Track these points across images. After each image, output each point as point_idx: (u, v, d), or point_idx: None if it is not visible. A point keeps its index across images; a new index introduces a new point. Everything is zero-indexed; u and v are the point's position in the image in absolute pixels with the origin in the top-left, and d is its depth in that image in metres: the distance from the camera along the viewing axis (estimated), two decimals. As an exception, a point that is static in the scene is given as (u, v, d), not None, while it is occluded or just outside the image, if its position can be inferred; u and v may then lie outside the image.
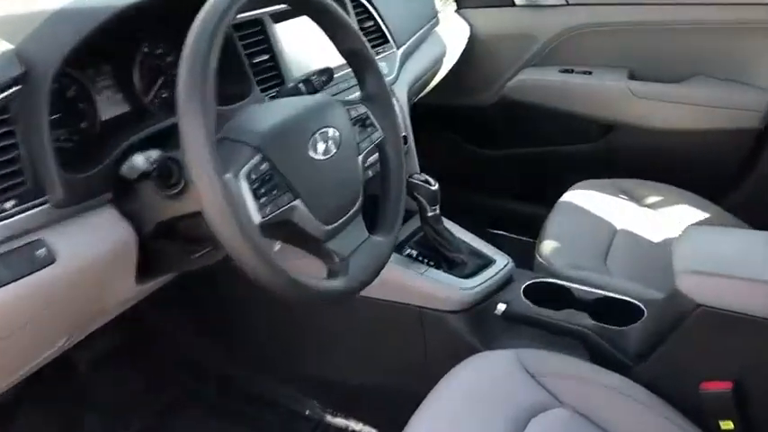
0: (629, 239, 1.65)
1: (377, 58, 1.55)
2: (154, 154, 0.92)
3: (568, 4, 2.06)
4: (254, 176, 0.85)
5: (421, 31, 1.81)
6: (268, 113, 0.95)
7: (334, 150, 0.98)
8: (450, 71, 2.10)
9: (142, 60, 1.14)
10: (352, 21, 1.50)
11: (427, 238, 1.48)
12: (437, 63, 1.95)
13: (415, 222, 1.56)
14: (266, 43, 1.28)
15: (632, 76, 2.04)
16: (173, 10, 1.02)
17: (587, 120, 2.11)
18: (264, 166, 0.87)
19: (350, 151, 1.02)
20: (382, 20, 1.61)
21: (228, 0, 0.85)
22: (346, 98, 1.19)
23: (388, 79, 1.55)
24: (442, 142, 2.42)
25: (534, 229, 2.25)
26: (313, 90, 1.19)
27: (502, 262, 1.49)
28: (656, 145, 2.05)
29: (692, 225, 1.56)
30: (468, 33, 2.18)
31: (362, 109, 1.09)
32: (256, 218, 0.84)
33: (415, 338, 1.42)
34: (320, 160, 0.95)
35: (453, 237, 1.49)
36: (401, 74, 1.64)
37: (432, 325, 1.40)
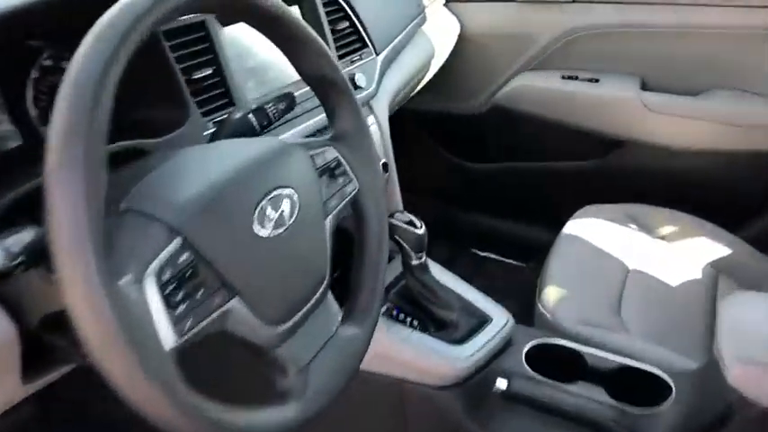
0: (645, 283, 1.43)
1: (354, 67, 1.29)
2: (26, 236, 0.64)
3: (575, 1, 1.80)
4: (168, 274, 0.58)
5: (405, 32, 1.53)
6: (196, 170, 0.68)
7: (290, 220, 0.71)
8: (437, 74, 1.83)
9: (39, 78, 0.86)
10: (323, 24, 1.22)
11: (411, 290, 1.22)
12: (424, 68, 1.67)
13: (396, 266, 1.30)
14: (210, 53, 1.00)
15: (645, 86, 1.79)
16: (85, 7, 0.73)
17: (592, 134, 1.86)
18: (186, 257, 0.60)
19: (312, 216, 0.75)
20: (360, 21, 1.33)
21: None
22: (308, 137, 0.91)
23: (366, 93, 1.28)
24: (424, 152, 2.16)
25: (526, 253, 2.04)
26: (267, 122, 0.91)
27: (500, 320, 1.24)
28: (670, 165, 1.81)
29: (739, 292, 1.32)
30: (457, 30, 1.90)
31: (332, 153, 0.82)
32: (169, 341, 0.57)
33: (393, 419, 1.16)
34: (269, 238, 0.68)
35: (442, 289, 1.23)
36: (382, 85, 1.37)
37: (415, 403, 1.14)
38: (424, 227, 1.18)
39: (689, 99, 1.73)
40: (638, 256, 1.51)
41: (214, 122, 0.99)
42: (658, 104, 1.75)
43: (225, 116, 1.00)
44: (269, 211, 0.68)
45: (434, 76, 1.82)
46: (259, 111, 0.90)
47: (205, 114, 0.98)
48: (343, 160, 0.83)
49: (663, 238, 1.60)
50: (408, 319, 1.21)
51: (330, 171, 0.81)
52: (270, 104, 0.92)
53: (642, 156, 1.83)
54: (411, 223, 1.18)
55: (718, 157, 1.74)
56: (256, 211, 0.67)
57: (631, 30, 1.76)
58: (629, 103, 1.77)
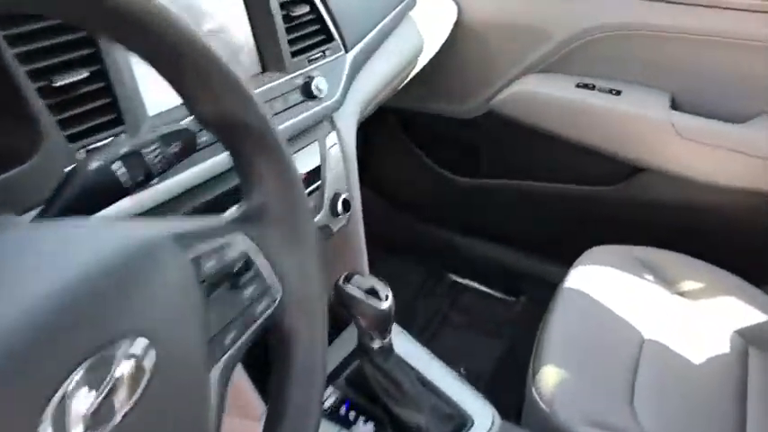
0: (662, 361, 1.16)
1: (312, 68, 0.95)
2: None
3: (601, -6, 1.46)
4: None
5: (387, 19, 1.18)
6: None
7: (128, 404, 0.38)
8: (424, 68, 1.49)
9: None
10: (270, 6, 0.88)
11: (366, 378, 0.91)
12: (409, 64, 1.33)
13: (350, 337, 0.98)
14: (91, 46, 0.66)
15: (675, 105, 1.46)
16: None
17: (606, 155, 1.54)
18: None
19: (183, 379, 0.42)
20: (325, 4, 0.99)
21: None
22: (202, 219, 0.55)
23: (326, 104, 0.95)
24: (403, 158, 1.83)
25: (515, 286, 1.74)
26: (145, 176, 0.57)
27: (483, 423, 0.93)
28: (698, 202, 1.50)
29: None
30: (454, 17, 1.56)
31: (239, 246, 0.50)
32: None
33: None
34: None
35: (409, 380, 0.91)
36: (351, 92, 1.03)
37: None
38: (390, 298, 0.86)
39: (730, 126, 1.41)
40: (655, 320, 1.23)
41: (88, 151, 0.66)
42: (691, 129, 1.43)
43: (109, 139, 0.68)
44: (80, 396, 0.36)
45: (421, 70, 1.48)
46: (132, 156, 0.56)
47: (73, 139, 0.65)
48: (256, 258, 0.50)
49: (683, 294, 1.32)
50: (360, 419, 0.90)
51: (231, 281, 0.48)
52: (155, 145, 0.58)
53: (664, 188, 1.52)
54: (373, 292, 0.86)
55: (755, 199, 1.44)
56: (52, 402, 0.34)
57: (665, 34, 1.43)
58: (655, 123, 1.45)
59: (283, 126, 0.88)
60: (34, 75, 0.62)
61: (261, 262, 0.50)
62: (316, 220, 0.96)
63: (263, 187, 0.51)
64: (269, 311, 0.50)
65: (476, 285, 1.81)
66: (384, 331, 0.88)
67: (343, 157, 1.00)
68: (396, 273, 1.85)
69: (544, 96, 1.55)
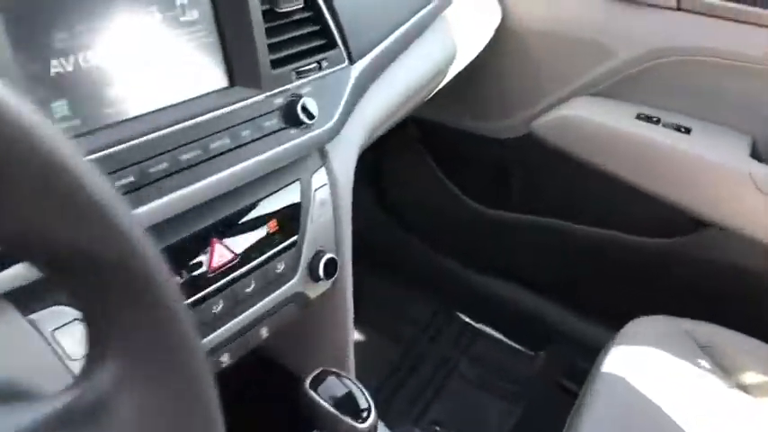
0: None
1: (302, 83, 0.71)
2: None
3: (680, 9, 1.19)
4: None
5: (412, 21, 0.93)
6: None
7: None
8: (457, 76, 1.23)
9: None
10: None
11: None
12: (438, 74, 1.08)
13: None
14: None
15: (756, 152, 1.20)
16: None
17: (664, 203, 1.28)
18: None
19: None
20: (327, 1, 0.74)
21: None
22: None
23: (317, 133, 0.71)
24: (421, 176, 1.58)
25: (538, 338, 1.50)
26: None
27: None
28: (769, 272, 1.24)
29: None
30: (497, 21, 1.30)
31: None
32: None
33: None
34: None
35: None
36: (353, 115, 0.79)
37: None
38: (373, 415, 0.62)
39: (823, 186, 1.15)
40: (708, 420, 0.99)
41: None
42: (774, 185, 1.16)
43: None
44: None
45: (452, 79, 1.23)
46: None
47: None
48: None
49: (745, 388, 1.09)
50: None
51: None
52: None
53: (733, 249, 1.26)
54: (350, 404, 0.62)
55: None
56: None
57: (753, 66, 1.16)
58: (730, 172, 1.19)
59: (248, 162, 0.64)
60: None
61: None
62: (287, 286, 0.72)
63: (111, 370, 0.28)
64: None
65: (491, 331, 1.56)
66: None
67: (334, 201, 0.76)
68: (400, 306, 1.61)
69: (596, 124, 1.29)
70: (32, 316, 0.51)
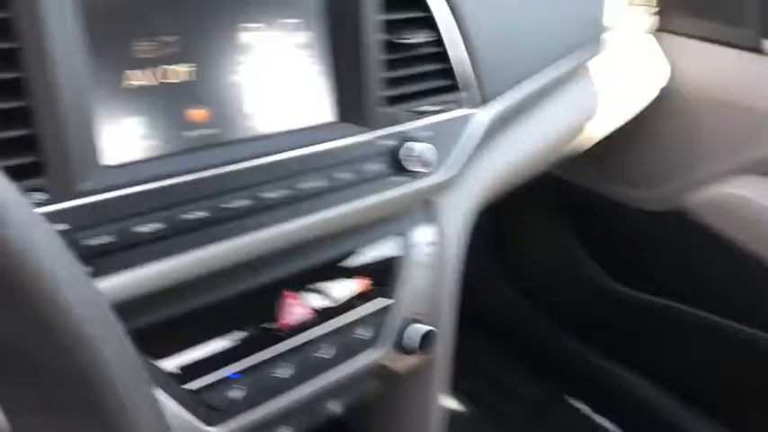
0: None
1: (419, 125, 0.62)
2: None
3: None
4: None
5: (556, 66, 0.81)
6: None
7: None
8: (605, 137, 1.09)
9: None
10: (361, 24, 0.55)
11: None
12: (580, 131, 0.95)
13: None
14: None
15: None
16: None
17: None
18: None
19: None
20: (463, 35, 0.64)
21: None
22: None
23: (427, 182, 0.61)
24: (544, 236, 1.43)
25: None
26: None
27: None
28: None
29: None
30: (665, 79, 1.15)
31: None
32: None
33: None
34: None
35: None
36: (476, 167, 0.68)
37: None
38: None
39: None
40: None
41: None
42: None
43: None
44: None
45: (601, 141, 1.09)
46: None
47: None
48: None
49: None
50: None
51: None
52: None
53: None
54: None
55: None
56: None
57: None
58: None
59: (341, 208, 0.55)
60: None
61: None
62: (370, 356, 0.62)
63: None
64: None
65: (606, 424, 1.37)
66: None
67: (439, 263, 0.65)
68: (505, 379, 1.46)
69: (765, 210, 1.10)
70: None
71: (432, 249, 0.65)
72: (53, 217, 0.42)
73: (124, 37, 0.46)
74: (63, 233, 0.42)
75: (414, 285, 0.64)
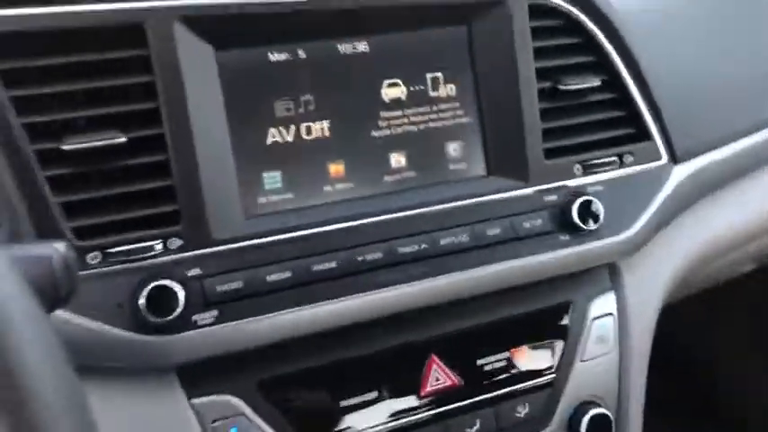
0: None
1: (591, 181, 0.56)
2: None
3: None
4: None
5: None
6: None
7: None
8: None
9: None
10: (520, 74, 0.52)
11: None
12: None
13: None
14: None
15: None
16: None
17: None
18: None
19: None
20: (641, 82, 0.57)
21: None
22: None
23: (594, 244, 0.54)
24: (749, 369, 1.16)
25: None
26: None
27: None
28: None
29: None
30: None
31: None
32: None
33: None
34: None
35: None
36: (669, 234, 0.59)
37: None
38: None
39: None
40: None
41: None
42: None
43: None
44: None
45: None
46: None
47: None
48: None
49: None
50: None
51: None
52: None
53: None
54: None
55: None
56: None
57: None
58: None
59: (487, 268, 0.51)
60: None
61: None
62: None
63: None
64: None
65: None
66: None
67: (621, 339, 0.56)
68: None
69: None
70: (197, 400, 0.46)
71: (612, 322, 0.56)
72: (187, 263, 0.45)
73: (264, 97, 0.49)
74: (194, 278, 0.44)
75: (588, 362, 0.55)
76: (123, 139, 0.43)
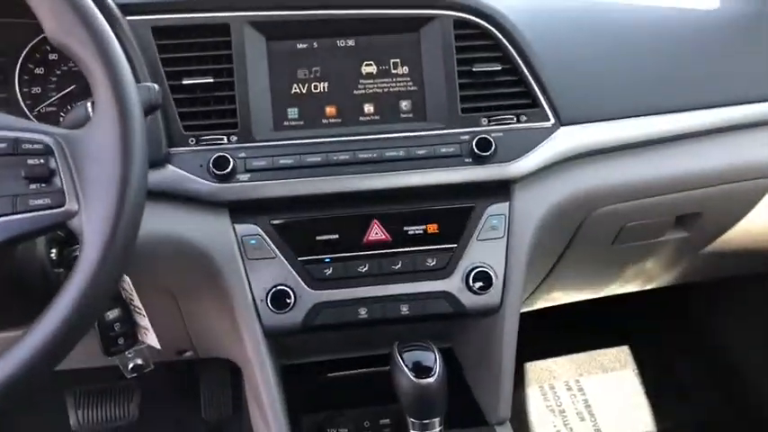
0: None
1: (493, 127, 0.89)
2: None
3: None
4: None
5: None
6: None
7: None
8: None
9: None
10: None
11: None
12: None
13: None
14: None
15: None
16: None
17: None
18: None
19: None
20: (531, 69, 0.91)
21: None
22: None
23: (501, 167, 0.89)
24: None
25: None
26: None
27: None
28: None
29: None
30: None
31: (46, 140, 0.60)
32: None
33: None
34: None
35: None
36: (555, 175, 0.92)
37: None
38: (438, 374, 0.74)
39: None
40: None
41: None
42: None
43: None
44: None
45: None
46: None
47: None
48: (59, 159, 0.58)
49: None
50: None
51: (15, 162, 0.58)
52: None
53: None
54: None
55: None
56: None
57: None
58: None
59: (413, 173, 0.86)
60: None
61: (63, 165, 0.57)
62: (437, 282, 0.87)
63: (95, 94, 0.59)
64: (47, 212, 0.57)
65: None
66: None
67: (510, 231, 0.87)
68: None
69: None
70: (237, 225, 0.84)
71: (501, 222, 0.87)
72: (239, 150, 0.83)
73: (291, 70, 0.88)
74: (241, 158, 0.83)
75: (483, 242, 0.87)
76: (211, 80, 0.84)
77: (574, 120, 0.91)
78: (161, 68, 0.84)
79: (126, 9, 0.84)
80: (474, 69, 0.89)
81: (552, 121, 0.91)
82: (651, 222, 1.03)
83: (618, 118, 0.94)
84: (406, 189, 0.86)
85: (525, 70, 0.90)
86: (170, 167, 0.83)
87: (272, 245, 0.84)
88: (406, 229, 0.87)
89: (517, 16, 0.91)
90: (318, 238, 0.86)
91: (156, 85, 0.70)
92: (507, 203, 0.89)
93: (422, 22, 0.89)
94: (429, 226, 0.87)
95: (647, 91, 0.96)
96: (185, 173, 0.82)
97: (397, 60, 0.90)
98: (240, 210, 0.85)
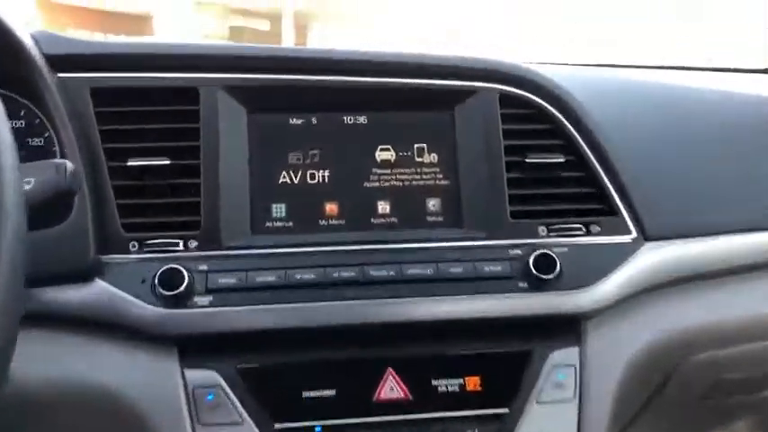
0: None
1: (554, 241, 0.64)
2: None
3: None
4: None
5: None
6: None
7: None
8: None
9: None
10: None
11: None
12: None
13: None
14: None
15: None
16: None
17: None
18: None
19: None
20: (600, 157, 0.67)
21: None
22: None
23: (551, 294, 0.62)
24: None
25: None
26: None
27: None
28: None
29: None
30: None
31: None
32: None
33: None
34: None
35: None
36: (631, 310, 0.65)
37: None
38: None
39: None
40: None
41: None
42: None
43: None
44: None
45: None
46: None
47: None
48: None
49: None
50: None
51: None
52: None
53: None
54: None
55: None
56: None
57: None
58: None
59: (451, 299, 0.60)
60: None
61: None
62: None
63: None
64: None
65: None
66: None
67: (582, 392, 0.60)
68: None
69: None
70: (188, 371, 0.57)
71: (572, 373, 0.61)
72: (198, 260, 0.59)
73: (280, 153, 0.64)
74: (201, 271, 0.58)
75: (544, 406, 0.60)
76: (167, 161, 0.60)
77: (663, 234, 0.67)
78: (99, 144, 0.60)
79: (58, 63, 0.61)
80: (527, 161, 0.66)
81: (634, 234, 0.66)
82: (756, 373, 0.77)
83: (722, 233, 0.69)
84: (435, 324, 0.60)
85: (597, 165, 0.66)
86: (99, 282, 0.57)
87: (238, 403, 0.57)
88: (434, 383, 0.60)
89: (583, 92, 0.68)
90: (306, 394, 0.59)
91: (67, 162, 0.47)
92: (577, 349, 0.62)
93: (457, 96, 0.67)
94: (468, 379, 0.60)
95: (759, 198, 0.72)
96: (119, 291, 0.57)
97: (423, 146, 0.66)
98: (194, 348, 0.58)
